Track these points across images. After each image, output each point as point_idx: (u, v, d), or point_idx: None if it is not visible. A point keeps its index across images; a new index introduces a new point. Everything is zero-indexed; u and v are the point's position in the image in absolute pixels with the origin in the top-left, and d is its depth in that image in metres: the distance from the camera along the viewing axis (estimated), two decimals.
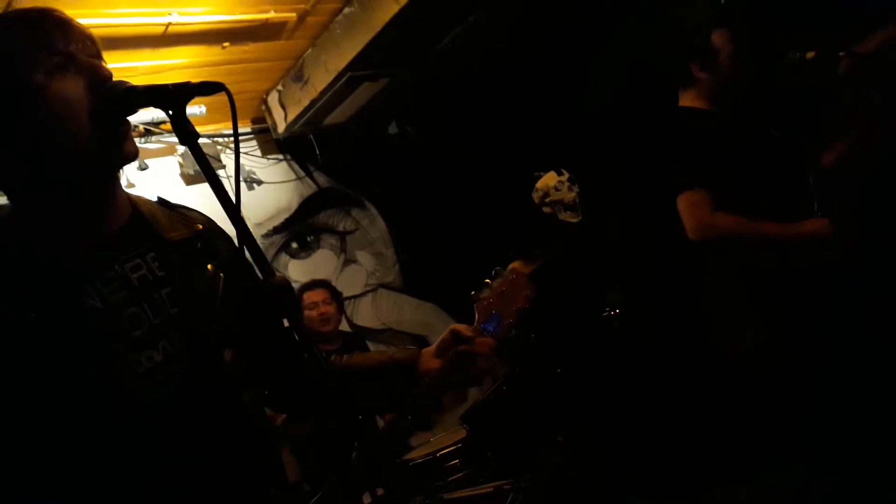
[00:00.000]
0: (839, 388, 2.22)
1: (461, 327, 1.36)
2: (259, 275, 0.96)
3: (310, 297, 3.91)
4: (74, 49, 1.03)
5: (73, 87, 1.02)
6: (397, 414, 1.34)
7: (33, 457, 1.00)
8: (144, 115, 3.88)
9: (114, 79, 1.07)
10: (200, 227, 1.24)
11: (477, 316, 1.39)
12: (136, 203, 1.19)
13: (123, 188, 1.19)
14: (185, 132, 0.97)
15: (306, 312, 3.86)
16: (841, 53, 2.40)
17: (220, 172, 4.45)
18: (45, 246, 1.05)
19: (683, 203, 2.39)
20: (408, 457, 2.94)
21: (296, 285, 4.25)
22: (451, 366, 1.33)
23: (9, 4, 2.75)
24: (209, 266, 1.19)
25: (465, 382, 1.36)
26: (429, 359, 1.37)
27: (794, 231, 2.28)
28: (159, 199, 1.28)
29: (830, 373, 2.24)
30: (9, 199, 1.11)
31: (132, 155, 1.09)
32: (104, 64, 1.08)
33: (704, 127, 2.53)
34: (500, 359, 1.37)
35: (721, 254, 2.44)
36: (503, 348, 1.34)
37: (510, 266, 3.50)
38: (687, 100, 2.61)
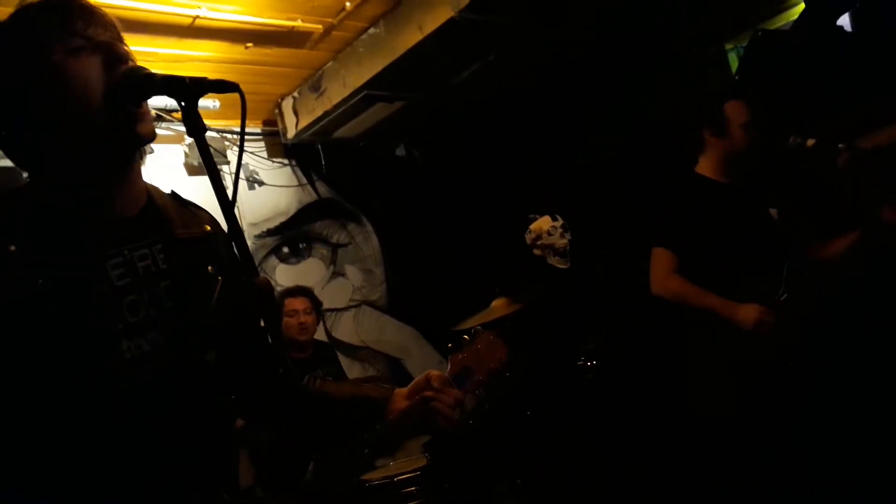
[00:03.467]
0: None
1: (434, 374, 1.36)
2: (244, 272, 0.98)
3: (291, 303, 3.90)
4: (93, 32, 1.07)
5: (89, 66, 1.05)
6: (355, 445, 1.34)
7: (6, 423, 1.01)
8: (158, 101, 3.89)
9: (133, 61, 1.10)
10: (208, 228, 1.27)
11: (449, 367, 1.40)
12: (151, 193, 1.22)
13: (142, 176, 1.20)
14: (195, 125, 1.00)
15: (286, 319, 3.84)
16: (841, 145, 2.45)
17: (224, 168, 4.47)
18: (60, 221, 1.08)
19: (653, 257, 2.63)
20: (365, 477, 2.92)
21: (279, 289, 4.24)
22: (414, 409, 1.34)
23: None
24: (209, 267, 1.22)
25: (425, 428, 1.36)
26: (400, 399, 1.37)
27: (730, 311, 2.46)
28: (172, 192, 1.30)
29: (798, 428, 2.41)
30: (28, 174, 1.14)
31: (147, 136, 1.11)
32: (123, 45, 1.11)
33: (700, 195, 2.61)
34: (469, 395, 1.37)
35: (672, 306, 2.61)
36: (469, 402, 1.34)
37: (493, 304, 3.49)
38: (701, 166, 2.71)
